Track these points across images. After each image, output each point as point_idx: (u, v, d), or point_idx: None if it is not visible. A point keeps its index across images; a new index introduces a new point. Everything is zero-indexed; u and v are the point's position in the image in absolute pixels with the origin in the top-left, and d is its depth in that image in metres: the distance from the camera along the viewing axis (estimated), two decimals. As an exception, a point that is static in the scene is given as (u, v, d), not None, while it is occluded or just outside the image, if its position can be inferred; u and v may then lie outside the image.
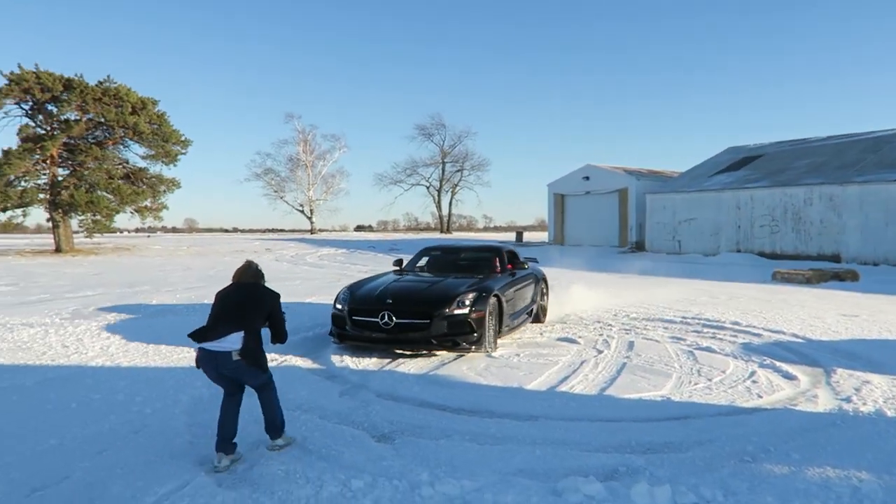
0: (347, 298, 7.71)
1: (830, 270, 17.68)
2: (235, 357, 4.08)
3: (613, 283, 15.53)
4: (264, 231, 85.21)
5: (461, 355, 7.30)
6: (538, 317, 9.80)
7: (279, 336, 4.44)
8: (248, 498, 3.60)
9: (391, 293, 7.51)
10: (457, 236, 61.59)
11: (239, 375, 4.22)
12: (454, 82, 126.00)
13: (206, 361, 4.14)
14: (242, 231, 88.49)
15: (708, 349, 7.70)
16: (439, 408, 5.39)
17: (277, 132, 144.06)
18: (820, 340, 8.34)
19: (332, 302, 7.99)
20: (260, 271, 4.52)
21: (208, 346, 4.09)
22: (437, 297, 7.32)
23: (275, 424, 4.42)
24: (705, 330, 9.16)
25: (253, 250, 32.59)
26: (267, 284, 4.54)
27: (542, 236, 49.20)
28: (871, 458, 4.18)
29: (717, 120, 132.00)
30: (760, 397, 5.72)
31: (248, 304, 4.25)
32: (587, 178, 37.39)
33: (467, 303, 7.18)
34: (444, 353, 7.39)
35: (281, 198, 68.32)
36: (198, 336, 4.10)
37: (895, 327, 9.24)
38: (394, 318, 7.15)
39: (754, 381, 6.24)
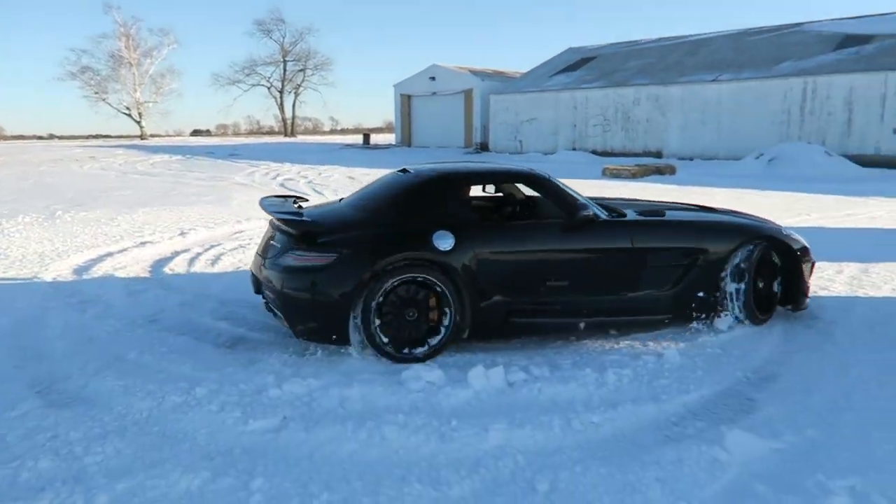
0: None
1: (653, 165, 19.30)
2: None
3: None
4: (87, 137, 77.03)
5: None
6: None
7: None
8: (85, 415, 3.44)
9: None
10: (302, 140, 59.57)
11: None
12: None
13: None
14: (61, 138, 79.39)
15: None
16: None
17: (94, 26, 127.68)
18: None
19: None
20: None
21: None
22: None
23: None
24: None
25: (74, 158, 29.54)
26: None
27: (391, 138, 48.85)
28: (671, 332, 4.77)
29: (556, 21, 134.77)
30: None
31: None
32: (433, 78, 37.22)
33: None
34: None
35: (103, 100, 61.68)
36: None
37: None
38: None
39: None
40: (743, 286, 4.73)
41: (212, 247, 8.04)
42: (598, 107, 28.07)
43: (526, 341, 4.58)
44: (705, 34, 31.44)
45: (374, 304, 4.05)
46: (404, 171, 4.99)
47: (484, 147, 33.66)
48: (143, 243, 8.21)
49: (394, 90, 39.67)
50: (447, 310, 4.17)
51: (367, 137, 46.68)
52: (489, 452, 3.02)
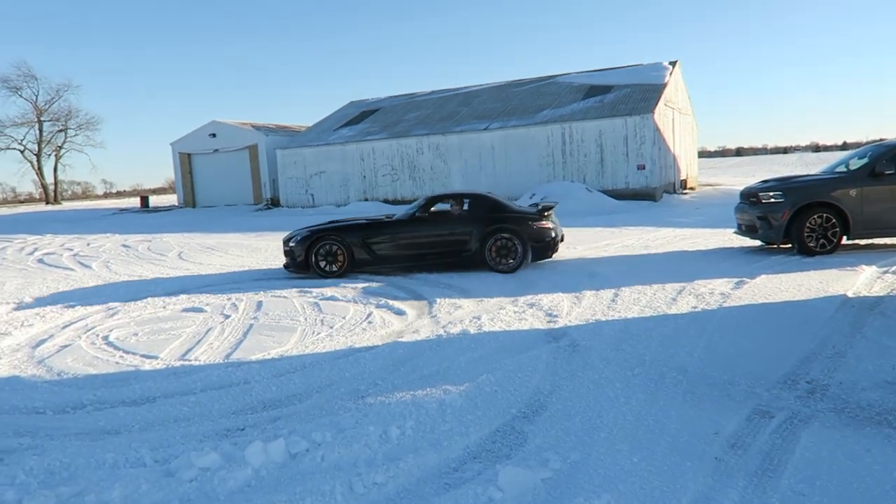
0: None
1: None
2: None
3: (248, 244, 15.36)
4: None
5: (66, 346, 6.48)
6: None
7: None
8: None
9: None
10: (69, 206, 53.93)
11: None
12: (45, 28, 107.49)
13: None
14: None
15: (332, 298, 8.16)
16: (34, 411, 4.71)
17: None
18: (424, 276, 9.52)
19: None
20: None
21: None
22: None
23: None
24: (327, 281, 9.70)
25: None
26: None
27: (174, 199, 45.97)
28: (454, 372, 4.94)
29: (339, 76, 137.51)
30: (375, 336, 6.31)
31: None
32: (213, 135, 35.90)
33: None
34: (44, 346, 6.49)
35: None
36: None
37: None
38: None
39: (370, 322, 6.84)
40: None
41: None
42: (385, 157, 28.92)
43: (313, 402, 4.46)
44: (475, 87, 34.00)
45: None
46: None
47: (275, 202, 32.97)
48: None
49: (171, 148, 37.55)
50: None
51: (144, 200, 43.49)
52: (266, 536, 2.85)
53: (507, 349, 5.54)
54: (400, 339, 6.07)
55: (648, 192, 23.75)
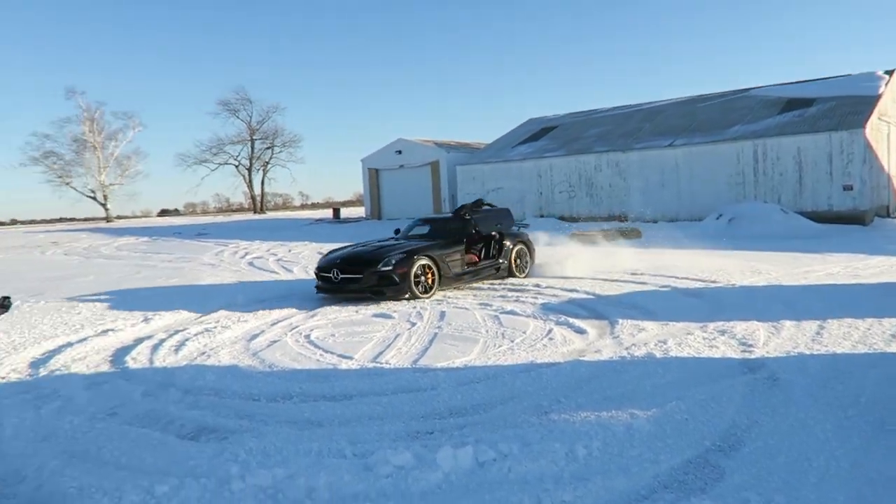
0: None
1: (618, 230, 19.70)
2: None
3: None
4: (51, 222, 76.05)
5: (276, 341, 7.19)
6: (511, 272, 11.49)
7: None
8: (37, 522, 3.30)
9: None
10: (272, 216, 59.63)
11: None
12: (259, 55, 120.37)
13: None
14: (23, 223, 78.30)
15: (512, 312, 8.26)
16: (251, 398, 5.28)
17: (57, 110, 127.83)
18: (608, 295, 9.31)
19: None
20: None
21: None
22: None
23: None
24: (510, 294, 9.82)
25: (36, 244, 29.10)
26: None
27: (361, 211, 49.17)
28: (641, 397, 4.79)
29: (519, 93, 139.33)
30: (556, 352, 6.29)
31: None
32: (399, 151, 37.90)
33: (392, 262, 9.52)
34: (258, 340, 7.25)
35: (67, 184, 61.10)
36: None
37: (668, 279, 10.56)
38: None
39: (551, 339, 6.83)
40: None
41: (176, 332, 7.90)
42: (562, 174, 28.78)
43: (496, 413, 4.55)
44: (658, 102, 32.78)
45: None
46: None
47: (452, 217, 34.03)
48: (104, 331, 8.02)
49: (361, 164, 40.24)
50: None
51: (336, 212, 46.92)
52: (459, 538, 2.95)
53: (697, 377, 5.26)
54: (582, 358, 6.00)
55: (856, 214, 21.32)
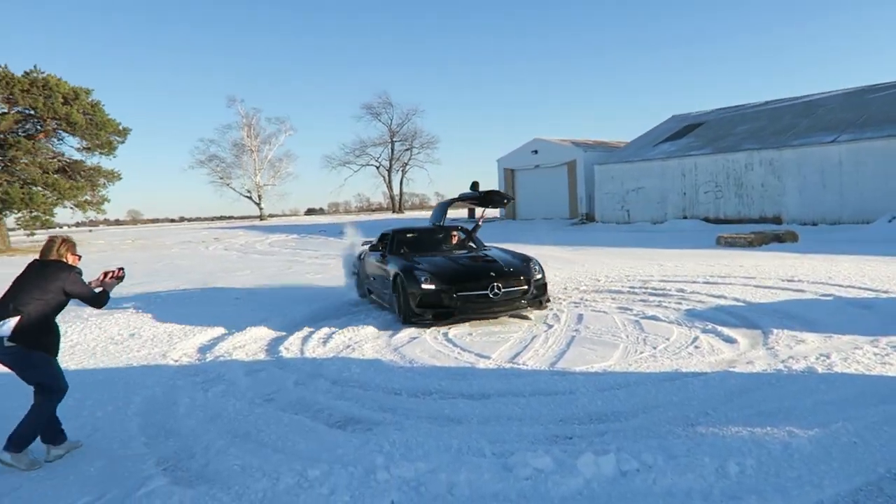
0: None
1: (771, 232, 18.34)
2: (7, 343, 3.85)
3: (563, 257, 15.81)
4: (212, 219, 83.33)
5: (415, 337, 7.41)
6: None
7: (93, 304, 4.24)
8: (206, 495, 3.61)
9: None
10: (409, 215, 61.41)
11: (15, 364, 3.95)
12: (399, 59, 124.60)
13: None
14: (189, 220, 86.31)
15: (653, 318, 7.94)
16: (393, 392, 5.47)
17: (220, 117, 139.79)
18: (759, 303, 8.69)
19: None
20: (63, 246, 4.20)
21: None
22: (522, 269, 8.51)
23: (17, 435, 3.95)
24: (651, 298, 9.44)
25: (201, 240, 31.95)
26: (115, 265, 4.47)
27: (495, 212, 49.43)
28: (800, 414, 4.43)
29: (660, 88, 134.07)
30: (702, 362, 5.97)
31: (26, 283, 4.00)
32: (536, 151, 37.69)
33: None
34: (399, 336, 7.52)
35: (227, 185, 66.98)
36: None
37: (831, 287, 9.67)
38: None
39: (697, 347, 6.49)
40: None
41: (323, 325, 8.36)
42: (708, 173, 27.28)
43: (639, 422, 4.40)
44: (817, 95, 30.17)
45: None
46: None
47: (589, 217, 33.33)
48: (260, 322, 8.66)
49: (497, 165, 40.44)
50: None
51: (471, 212, 47.47)
52: (602, 548, 2.88)
53: (868, 396, 4.77)
54: (732, 369, 5.65)
55: None
